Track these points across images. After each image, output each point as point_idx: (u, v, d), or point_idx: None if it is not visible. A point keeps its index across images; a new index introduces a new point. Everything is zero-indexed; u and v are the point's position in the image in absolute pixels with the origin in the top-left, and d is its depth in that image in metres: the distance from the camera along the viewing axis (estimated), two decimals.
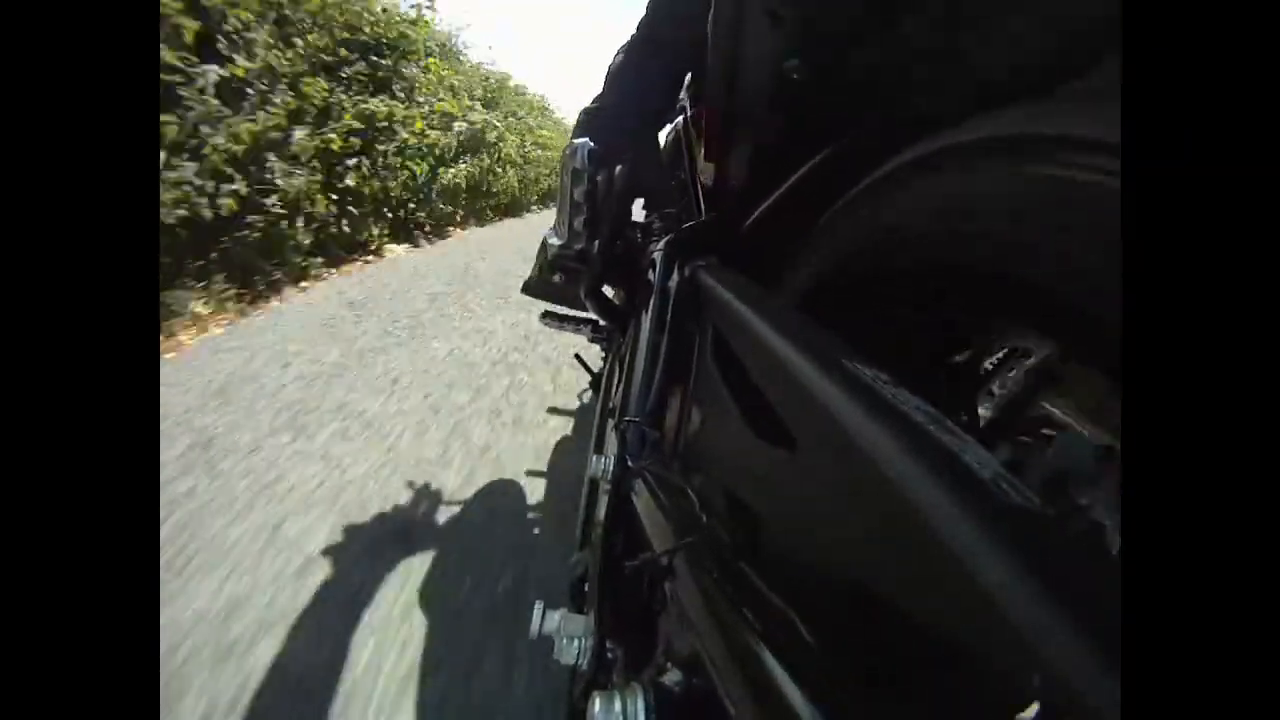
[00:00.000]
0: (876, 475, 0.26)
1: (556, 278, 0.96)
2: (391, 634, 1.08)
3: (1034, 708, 0.20)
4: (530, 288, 1.44)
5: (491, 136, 6.20)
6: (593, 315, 1.34)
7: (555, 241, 0.91)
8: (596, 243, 0.83)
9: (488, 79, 7.14)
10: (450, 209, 5.49)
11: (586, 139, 0.84)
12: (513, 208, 7.57)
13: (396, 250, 4.56)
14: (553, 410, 2.01)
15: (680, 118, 0.94)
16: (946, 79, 0.37)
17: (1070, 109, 0.28)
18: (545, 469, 1.66)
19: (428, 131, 4.78)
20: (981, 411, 0.49)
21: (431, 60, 4.97)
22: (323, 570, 1.23)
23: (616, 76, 1.00)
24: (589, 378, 1.63)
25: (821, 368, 0.33)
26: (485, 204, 6.49)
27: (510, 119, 7.21)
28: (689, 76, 0.98)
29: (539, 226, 2.39)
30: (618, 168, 0.80)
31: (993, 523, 0.22)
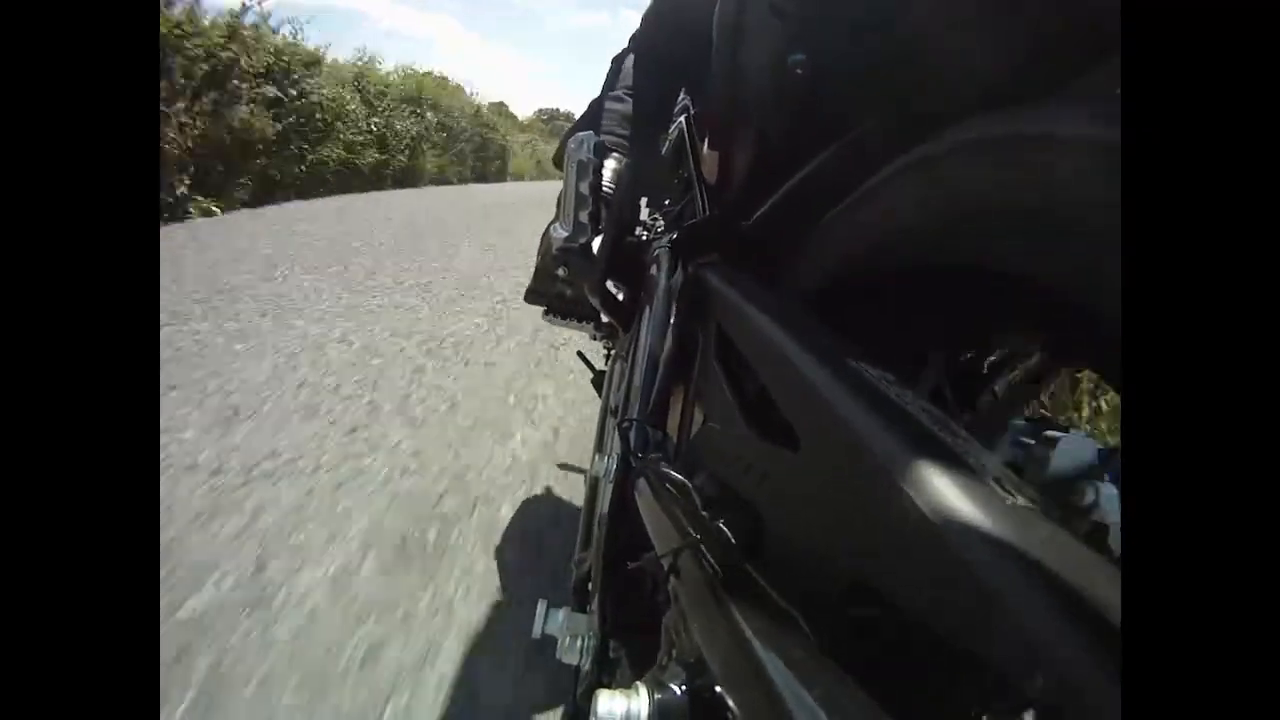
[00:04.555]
0: (880, 475, 0.26)
1: (560, 271, 0.96)
2: None
3: (1035, 707, 0.20)
4: (534, 294, 1.42)
5: None
6: (596, 313, 1.34)
7: (560, 234, 0.90)
8: (601, 237, 0.83)
9: None
10: None
11: (590, 131, 0.84)
12: None
13: None
14: None
15: (683, 116, 0.94)
16: (952, 76, 0.37)
17: (1073, 108, 0.28)
18: None
19: None
20: (983, 411, 0.49)
21: None
22: None
23: (619, 76, 0.99)
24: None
25: (826, 367, 0.33)
26: None
27: None
28: (688, 81, 0.97)
29: None
30: (624, 161, 0.79)
31: (996, 523, 0.22)
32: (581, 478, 1.67)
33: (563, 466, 1.83)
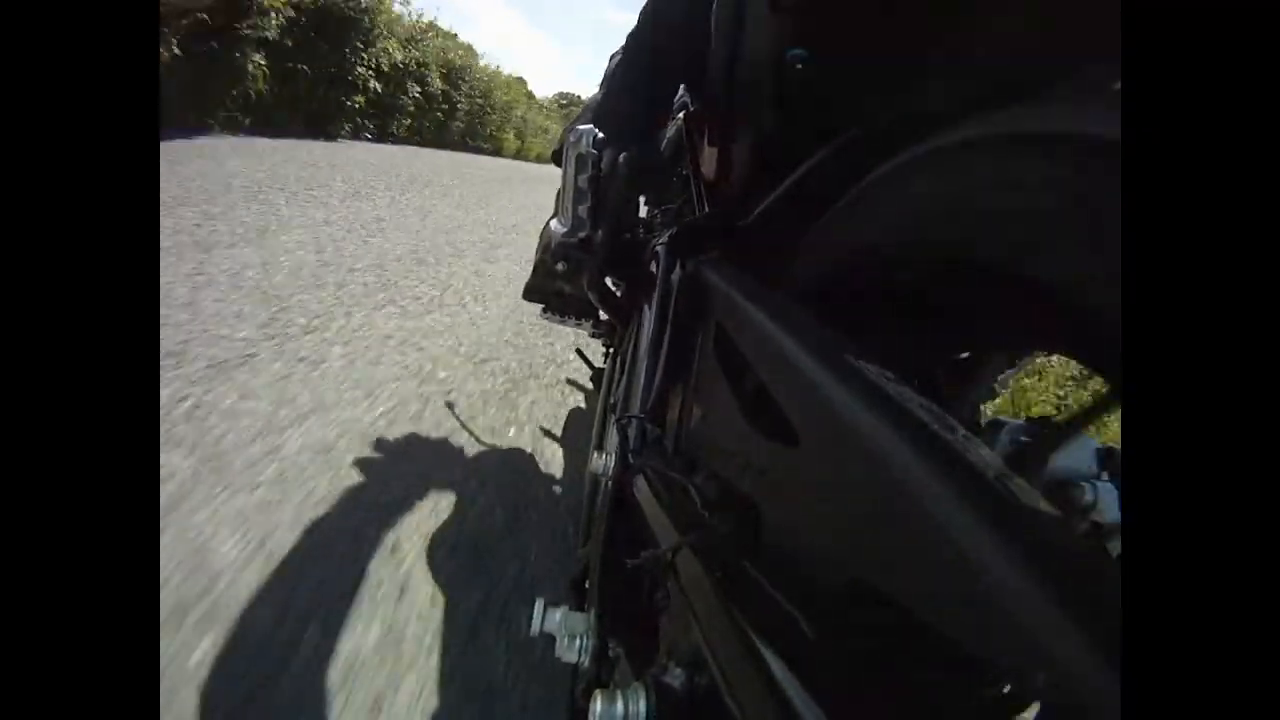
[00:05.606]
0: (880, 473, 0.26)
1: (560, 266, 0.95)
2: None
3: (1035, 706, 0.20)
4: (532, 292, 1.41)
5: None
6: (594, 310, 1.33)
7: (559, 229, 0.89)
8: (600, 232, 0.82)
9: None
10: None
11: (591, 126, 0.83)
12: None
13: None
14: None
15: (682, 113, 0.93)
16: (952, 75, 0.37)
17: (1073, 107, 0.28)
18: None
19: None
20: (982, 409, 0.49)
21: None
22: None
23: (616, 75, 0.99)
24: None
25: (825, 364, 0.33)
26: None
27: None
28: (687, 77, 0.97)
29: None
30: (623, 156, 0.79)
31: (996, 522, 0.22)
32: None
33: (545, 432, 1.87)
